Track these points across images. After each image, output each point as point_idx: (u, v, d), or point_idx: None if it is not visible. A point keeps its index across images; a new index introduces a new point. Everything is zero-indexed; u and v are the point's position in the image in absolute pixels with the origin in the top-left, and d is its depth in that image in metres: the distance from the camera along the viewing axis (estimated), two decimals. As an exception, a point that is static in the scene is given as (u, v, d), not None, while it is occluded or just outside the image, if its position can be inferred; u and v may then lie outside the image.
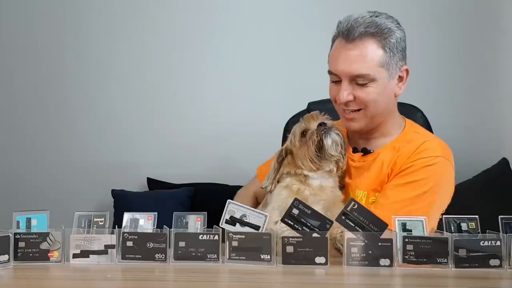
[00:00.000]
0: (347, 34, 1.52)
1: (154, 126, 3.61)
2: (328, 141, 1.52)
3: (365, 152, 1.65)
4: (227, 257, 1.31)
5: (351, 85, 1.54)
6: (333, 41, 1.60)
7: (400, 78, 1.59)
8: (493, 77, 3.39)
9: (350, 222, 1.30)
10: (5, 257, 1.29)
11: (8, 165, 3.64)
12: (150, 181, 3.52)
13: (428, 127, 2.02)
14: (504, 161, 3.04)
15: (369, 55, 1.51)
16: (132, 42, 3.62)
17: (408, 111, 2.02)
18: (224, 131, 3.53)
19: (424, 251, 1.27)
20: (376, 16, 1.54)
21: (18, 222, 1.36)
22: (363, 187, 1.61)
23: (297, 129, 1.59)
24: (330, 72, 1.59)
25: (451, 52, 3.40)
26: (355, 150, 1.67)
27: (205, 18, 3.58)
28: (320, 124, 1.53)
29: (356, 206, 1.31)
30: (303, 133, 1.56)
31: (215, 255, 1.31)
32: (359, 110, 1.57)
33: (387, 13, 1.59)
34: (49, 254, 1.33)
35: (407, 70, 1.60)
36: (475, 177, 3.05)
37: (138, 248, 1.32)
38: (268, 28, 3.50)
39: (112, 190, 3.40)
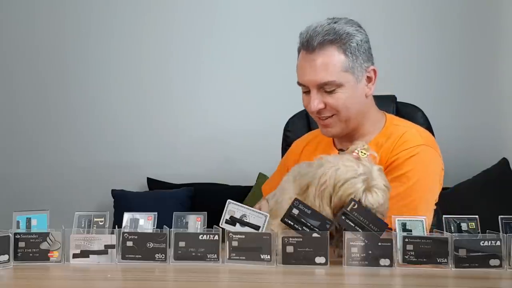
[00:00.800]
0: (307, 45, 1.56)
1: (154, 126, 3.61)
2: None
3: None
4: (227, 257, 1.31)
5: (319, 93, 1.57)
6: (298, 52, 1.64)
7: (369, 79, 1.62)
8: (493, 77, 3.39)
9: (350, 222, 1.30)
10: (5, 257, 1.29)
11: (8, 165, 3.64)
12: (150, 181, 3.52)
13: (429, 127, 2.02)
14: (504, 161, 3.04)
15: (331, 62, 1.54)
16: (132, 42, 3.62)
17: (409, 111, 2.02)
18: (224, 131, 3.53)
19: (424, 251, 1.27)
20: (335, 23, 1.57)
21: (18, 222, 1.36)
22: None
23: (348, 195, 1.34)
24: (299, 83, 1.62)
25: (451, 52, 3.40)
26: (341, 151, 1.67)
27: (204, 18, 3.58)
28: (343, 214, 1.32)
29: (356, 206, 1.31)
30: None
31: (215, 255, 1.31)
32: (332, 115, 1.59)
33: (347, 17, 1.62)
34: (49, 254, 1.33)
35: (374, 70, 1.62)
36: (475, 177, 3.05)
37: (138, 248, 1.32)
38: (267, 28, 3.51)
39: (112, 190, 3.41)
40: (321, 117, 1.60)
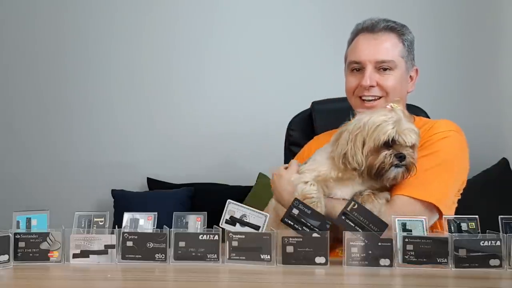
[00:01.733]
0: (371, 28, 1.66)
1: (154, 126, 3.61)
2: (390, 174, 1.45)
3: None
4: (227, 257, 1.31)
5: (374, 72, 1.63)
6: (351, 41, 1.71)
7: (411, 77, 1.71)
8: (493, 77, 3.39)
9: (350, 222, 1.30)
10: (5, 257, 1.29)
11: (8, 165, 3.64)
12: (150, 181, 3.52)
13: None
14: (504, 161, 3.04)
15: (392, 45, 1.65)
16: (132, 42, 3.62)
17: (411, 111, 2.02)
18: (225, 131, 3.53)
19: (424, 251, 1.27)
20: (390, 20, 1.70)
21: (18, 222, 1.36)
22: None
23: (382, 134, 1.43)
24: (351, 62, 1.67)
25: (451, 52, 3.40)
26: None
27: (206, 17, 3.58)
28: (399, 156, 1.43)
29: (356, 206, 1.31)
30: (385, 143, 1.44)
31: (215, 255, 1.31)
32: (379, 98, 1.64)
33: None
34: (49, 254, 1.33)
35: (417, 70, 1.73)
36: (475, 177, 3.04)
37: (138, 248, 1.32)
38: (270, 27, 3.50)
39: (112, 190, 3.41)
40: (368, 97, 1.64)
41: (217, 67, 3.58)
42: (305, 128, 2.06)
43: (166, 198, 3.29)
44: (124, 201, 3.32)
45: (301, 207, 1.33)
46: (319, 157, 1.55)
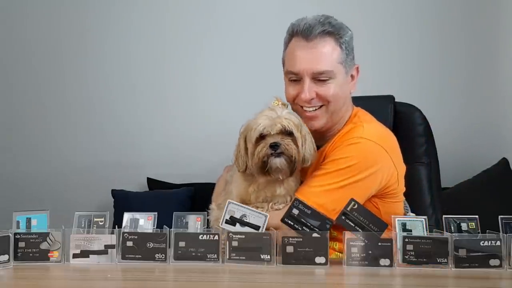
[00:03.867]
0: (306, 33, 1.59)
1: (154, 126, 3.61)
2: (272, 166, 1.49)
3: None
4: (227, 257, 1.31)
5: (312, 83, 1.59)
6: (287, 43, 1.67)
7: (352, 77, 1.66)
8: (493, 77, 3.39)
9: (350, 222, 1.30)
10: (5, 257, 1.29)
11: (8, 165, 3.64)
12: (150, 181, 3.52)
13: (427, 127, 2.02)
14: (504, 161, 3.04)
15: (329, 53, 1.57)
16: (132, 42, 3.62)
17: (407, 111, 2.03)
18: (224, 131, 3.51)
19: (424, 251, 1.27)
20: (327, 18, 1.62)
21: (18, 222, 1.36)
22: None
23: (254, 132, 1.52)
24: (289, 72, 1.63)
25: (451, 52, 3.40)
26: None
27: (204, 16, 3.58)
28: (272, 146, 1.48)
29: (356, 206, 1.31)
30: (260, 136, 1.52)
31: (215, 255, 1.31)
32: (321, 107, 1.60)
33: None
34: (49, 254, 1.33)
35: (357, 69, 1.66)
36: (475, 177, 3.05)
37: (138, 248, 1.32)
38: (267, 26, 3.50)
39: (112, 190, 3.40)
40: (309, 108, 1.61)
41: (217, 67, 3.58)
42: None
43: (166, 198, 3.29)
44: (124, 201, 3.32)
45: (301, 207, 1.33)
46: (230, 194, 1.63)
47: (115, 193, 3.39)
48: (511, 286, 1.22)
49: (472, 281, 1.20)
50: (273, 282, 1.23)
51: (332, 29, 1.58)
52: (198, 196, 3.33)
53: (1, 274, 1.25)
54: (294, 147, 1.49)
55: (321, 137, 1.67)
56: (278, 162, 1.48)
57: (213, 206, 1.68)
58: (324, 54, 1.57)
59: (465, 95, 3.39)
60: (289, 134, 1.50)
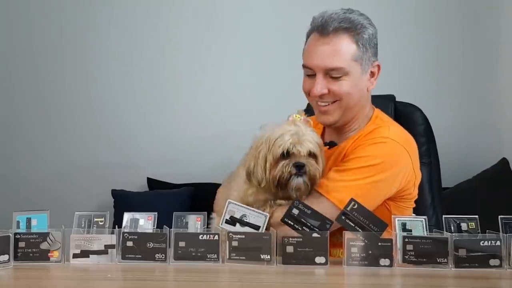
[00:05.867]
0: (322, 29, 1.57)
1: (154, 126, 3.61)
2: (292, 185, 1.48)
3: (331, 145, 1.67)
4: (227, 257, 1.31)
5: (325, 79, 1.58)
6: (308, 36, 1.65)
7: (372, 74, 1.63)
8: (493, 77, 3.39)
9: (350, 222, 1.30)
10: (5, 257, 1.29)
11: (8, 165, 3.64)
12: (150, 181, 3.52)
13: (428, 127, 2.02)
14: (504, 161, 3.04)
15: (343, 49, 1.55)
16: (132, 42, 3.62)
17: (407, 110, 2.03)
18: (225, 130, 3.53)
19: (424, 251, 1.27)
20: (350, 13, 1.59)
21: (18, 222, 1.36)
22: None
23: (279, 147, 1.48)
24: (304, 66, 1.63)
25: (451, 52, 3.40)
26: (324, 144, 1.69)
27: (206, 17, 3.58)
28: (297, 165, 1.47)
29: (356, 206, 1.31)
30: (282, 155, 1.49)
31: (215, 255, 1.31)
32: (333, 102, 1.60)
33: (359, 11, 1.63)
34: (49, 254, 1.33)
35: (378, 66, 1.64)
36: (475, 177, 3.05)
37: (138, 248, 1.32)
38: (267, 27, 3.50)
39: (112, 190, 3.40)
40: (322, 102, 1.60)
41: (217, 67, 3.58)
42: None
43: (166, 198, 3.29)
44: (124, 201, 3.32)
45: (301, 207, 1.33)
46: (238, 179, 1.62)
47: (115, 193, 3.39)
48: (511, 286, 1.22)
49: (472, 281, 1.20)
50: (273, 282, 1.23)
51: (349, 25, 1.56)
52: (198, 196, 3.33)
53: (1, 274, 1.25)
54: (317, 167, 1.48)
55: (338, 135, 1.67)
56: (300, 181, 1.47)
57: (214, 215, 1.67)
58: (338, 51, 1.55)
59: (465, 95, 3.40)
60: (313, 155, 1.49)
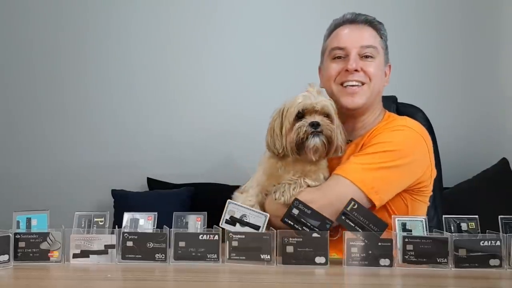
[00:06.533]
0: (352, 20, 1.70)
1: (154, 126, 3.61)
2: (309, 144, 1.51)
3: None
4: (227, 257, 1.31)
5: (358, 58, 1.65)
6: (331, 32, 1.73)
7: (385, 73, 1.73)
8: (493, 77, 3.39)
9: (350, 222, 1.30)
10: (5, 257, 1.29)
11: (8, 165, 3.64)
12: (150, 181, 3.52)
13: (429, 127, 2.02)
14: (504, 161, 3.04)
15: (373, 35, 1.70)
16: (132, 42, 3.62)
17: (409, 111, 2.03)
18: (225, 131, 3.53)
19: (424, 251, 1.27)
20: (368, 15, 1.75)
21: (18, 222, 1.36)
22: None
23: (294, 108, 1.54)
24: (335, 49, 1.69)
25: (451, 52, 3.40)
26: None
27: (205, 15, 3.58)
28: (312, 124, 1.50)
29: (356, 206, 1.31)
30: (298, 115, 1.54)
31: (215, 255, 1.31)
32: (362, 84, 1.65)
33: None
34: (49, 254, 1.33)
35: (390, 67, 1.75)
36: (475, 177, 3.05)
37: (138, 248, 1.32)
38: (268, 27, 3.50)
39: (112, 190, 3.40)
40: (352, 81, 1.65)
41: (217, 67, 3.58)
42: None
43: (166, 198, 3.29)
44: (124, 201, 3.32)
45: (301, 207, 1.33)
46: (257, 173, 1.67)
47: (115, 193, 3.39)
48: (511, 286, 1.22)
49: (472, 281, 1.20)
50: (273, 282, 1.23)
51: (374, 21, 1.71)
52: (198, 196, 3.33)
53: (1, 274, 1.25)
54: (333, 127, 1.52)
55: (351, 132, 1.70)
56: (317, 141, 1.50)
57: (236, 193, 1.69)
58: (370, 34, 1.68)
59: (465, 95, 3.40)
60: (327, 116, 1.53)
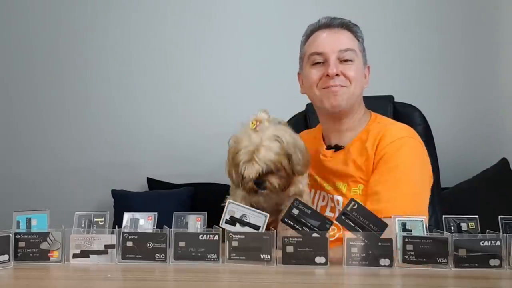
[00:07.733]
0: (328, 25, 1.72)
1: (154, 126, 3.61)
2: (261, 193, 1.52)
3: (337, 148, 1.74)
4: (227, 257, 1.31)
5: (337, 62, 1.67)
6: (309, 36, 1.75)
7: (364, 75, 1.75)
8: (493, 77, 3.39)
9: (350, 222, 1.30)
10: (5, 257, 1.29)
11: (8, 165, 3.64)
12: (150, 181, 3.52)
13: (427, 127, 2.02)
14: (504, 161, 3.04)
15: (350, 38, 1.71)
16: (132, 42, 3.62)
17: (406, 111, 2.03)
18: (224, 131, 3.50)
19: (424, 251, 1.27)
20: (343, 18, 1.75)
21: (18, 222, 1.36)
22: (342, 179, 1.70)
23: (237, 158, 1.54)
24: (313, 54, 1.70)
25: (450, 52, 3.40)
26: (328, 148, 1.76)
27: (205, 16, 3.58)
28: (256, 183, 1.50)
29: (356, 206, 1.31)
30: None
31: (215, 255, 1.31)
32: (342, 87, 1.67)
33: None
34: (49, 254, 1.33)
35: (368, 68, 1.77)
36: (475, 177, 3.05)
37: (138, 248, 1.32)
38: (267, 29, 3.50)
39: (112, 190, 3.41)
40: (333, 84, 1.66)
41: (216, 68, 3.58)
42: (300, 129, 2.07)
43: (166, 198, 3.29)
44: (124, 201, 3.32)
45: (301, 207, 1.33)
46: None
47: (115, 193, 3.39)
48: (511, 286, 1.22)
49: (472, 281, 1.20)
50: (273, 282, 1.23)
51: (350, 24, 1.72)
52: (198, 196, 3.34)
53: (1, 274, 1.25)
54: (277, 182, 1.51)
55: (340, 134, 1.74)
56: (267, 190, 1.52)
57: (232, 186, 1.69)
58: (346, 37, 1.70)
59: (464, 95, 3.40)
60: (276, 163, 1.50)
